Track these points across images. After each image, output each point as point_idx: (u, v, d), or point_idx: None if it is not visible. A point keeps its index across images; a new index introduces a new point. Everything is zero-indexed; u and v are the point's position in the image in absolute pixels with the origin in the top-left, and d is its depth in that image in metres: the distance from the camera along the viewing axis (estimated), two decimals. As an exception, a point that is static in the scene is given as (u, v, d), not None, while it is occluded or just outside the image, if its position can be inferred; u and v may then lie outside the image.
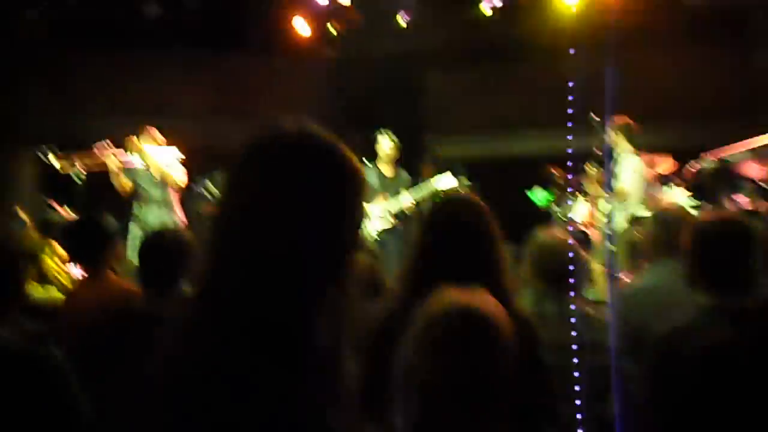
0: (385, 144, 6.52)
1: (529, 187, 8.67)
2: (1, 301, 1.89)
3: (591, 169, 6.03)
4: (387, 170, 6.59)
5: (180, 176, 6.29)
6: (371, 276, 2.77)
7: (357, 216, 1.07)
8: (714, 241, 2.06)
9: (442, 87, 9.31)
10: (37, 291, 3.08)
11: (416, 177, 6.95)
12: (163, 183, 6.20)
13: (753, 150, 4.89)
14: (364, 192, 1.07)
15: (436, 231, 2.03)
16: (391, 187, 6.51)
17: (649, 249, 2.96)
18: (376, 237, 6.40)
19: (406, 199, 6.41)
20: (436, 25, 8.42)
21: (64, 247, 3.67)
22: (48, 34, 7.98)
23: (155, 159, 6.16)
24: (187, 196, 6.90)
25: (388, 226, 6.43)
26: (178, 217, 6.29)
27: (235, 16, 8.27)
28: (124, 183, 6.22)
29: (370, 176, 6.39)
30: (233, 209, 1.02)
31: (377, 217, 6.41)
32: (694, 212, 5.53)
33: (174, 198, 6.32)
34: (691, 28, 8.47)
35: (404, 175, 6.66)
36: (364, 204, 1.09)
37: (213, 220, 1.04)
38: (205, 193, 6.73)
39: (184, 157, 6.40)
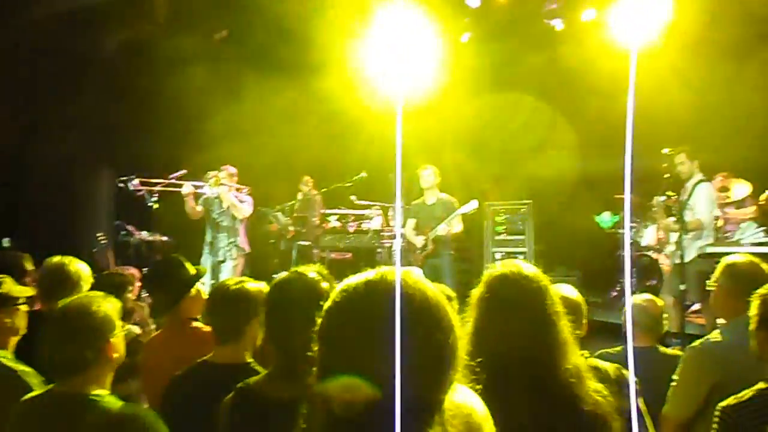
0: (425, 176, 6.80)
1: (597, 209, 8.54)
2: (95, 361, 2.02)
3: (658, 200, 5.90)
4: (430, 199, 6.87)
5: (247, 209, 6.77)
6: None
7: None
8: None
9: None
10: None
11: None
12: (232, 212, 6.67)
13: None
14: None
15: (489, 314, 1.92)
16: (435, 216, 6.75)
17: (719, 303, 2.89)
18: (423, 264, 6.63)
19: (443, 227, 6.62)
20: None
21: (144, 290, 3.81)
22: (132, 59, 8.34)
23: (228, 194, 6.61)
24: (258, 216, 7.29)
25: (429, 251, 6.69)
26: (244, 243, 6.79)
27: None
28: (195, 208, 6.63)
29: (417, 209, 6.91)
30: None
31: (423, 247, 6.69)
32: (766, 249, 5.36)
33: (241, 227, 6.79)
34: (761, 39, 8.14)
35: (446, 201, 6.80)
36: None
37: None
38: (273, 220, 7.08)
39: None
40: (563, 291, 2.56)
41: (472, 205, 6.84)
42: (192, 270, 3.06)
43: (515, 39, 8.31)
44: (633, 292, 6.94)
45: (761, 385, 2.08)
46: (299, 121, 8.64)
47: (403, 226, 7.62)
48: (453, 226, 6.62)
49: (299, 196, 7.88)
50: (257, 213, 7.58)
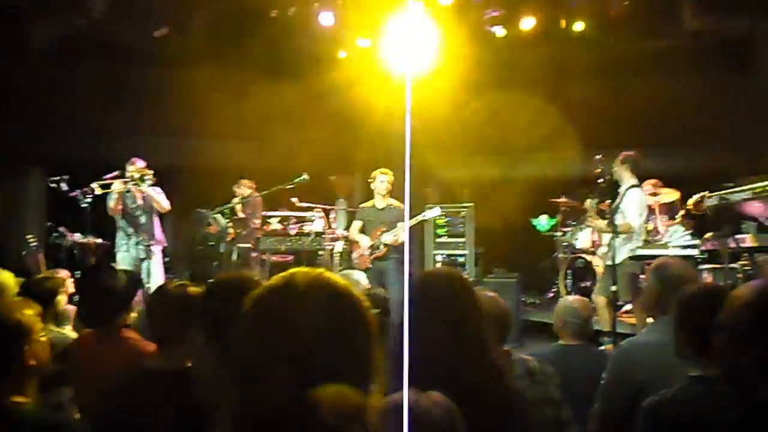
0: (378, 182, 6.80)
1: (534, 213, 8.76)
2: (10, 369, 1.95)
3: (592, 203, 6.11)
4: (381, 204, 6.88)
5: (167, 202, 6.82)
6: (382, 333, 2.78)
7: None
8: (698, 313, 2.10)
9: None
10: (52, 332, 3.09)
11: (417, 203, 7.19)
12: (150, 208, 6.72)
13: (755, 190, 4.94)
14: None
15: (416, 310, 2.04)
16: (386, 220, 6.78)
17: (649, 303, 3.01)
18: (369, 265, 6.67)
19: (397, 230, 6.67)
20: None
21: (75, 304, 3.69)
22: (57, 56, 8.08)
23: (152, 189, 6.67)
24: (196, 218, 7.22)
25: (380, 254, 6.71)
26: (161, 237, 6.89)
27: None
28: (118, 206, 6.64)
29: (367, 212, 6.89)
30: None
31: (372, 248, 6.72)
32: (694, 252, 5.61)
33: (157, 221, 6.87)
34: (694, 54, 8.56)
35: (396, 207, 6.85)
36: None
37: None
38: (212, 221, 7.01)
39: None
40: (491, 295, 2.75)
41: (435, 212, 6.93)
42: (123, 278, 2.97)
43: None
44: (568, 293, 7.19)
45: (683, 382, 2.17)
46: (239, 121, 8.55)
47: (346, 228, 7.64)
48: (401, 234, 6.68)
49: (235, 198, 7.79)
50: (196, 215, 7.48)
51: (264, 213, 8.05)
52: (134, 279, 3.04)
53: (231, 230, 7.64)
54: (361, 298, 1.16)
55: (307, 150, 8.68)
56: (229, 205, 7.59)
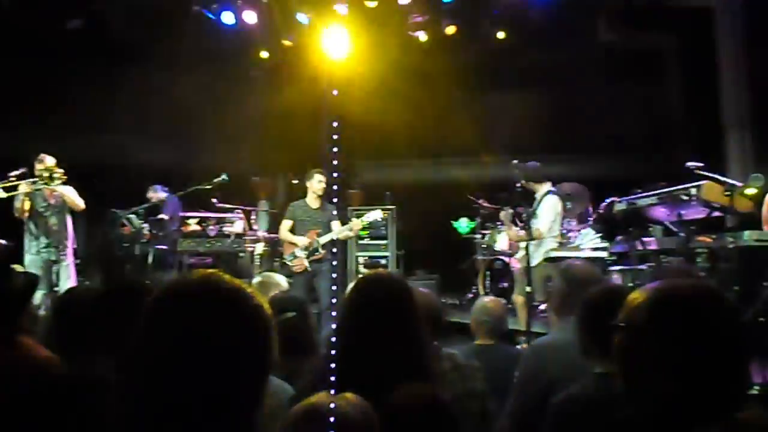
0: (316, 182, 6.71)
1: (455, 215, 8.91)
2: None
3: (506, 215, 6.30)
4: (315, 204, 6.79)
5: (80, 202, 6.53)
6: (299, 335, 2.76)
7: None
8: (601, 313, 2.19)
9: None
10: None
11: (343, 205, 7.17)
12: (61, 208, 6.46)
13: (660, 196, 5.20)
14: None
15: (357, 313, 2.07)
16: (320, 220, 6.72)
17: (557, 303, 3.11)
18: (308, 267, 6.57)
19: (336, 233, 6.61)
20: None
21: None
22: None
23: (66, 188, 6.36)
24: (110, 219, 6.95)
25: (319, 256, 6.62)
26: (72, 239, 6.60)
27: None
28: (25, 206, 6.32)
29: (300, 212, 6.74)
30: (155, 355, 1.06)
31: (309, 249, 6.62)
32: (604, 254, 5.86)
33: (69, 222, 6.57)
34: (607, 65, 8.97)
35: (331, 207, 6.82)
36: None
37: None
38: (127, 222, 6.76)
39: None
40: (425, 291, 2.86)
41: (377, 215, 6.91)
42: (19, 280, 2.82)
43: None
44: (487, 294, 7.36)
45: (587, 380, 2.26)
46: (157, 119, 8.31)
47: (268, 230, 7.53)
48: (346, 233, 6.65)
49: (151, 198, 7.57)
50: (110, 215, 7.19)
51: (182, 214, 7.84)
52: (31, 281, 2.88)
53: (146, 231, 7.39)
54: (254, 298, 1.15)
55: (227, 150, 8.52)
56: (145, 206, 7.35)
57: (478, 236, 8.41)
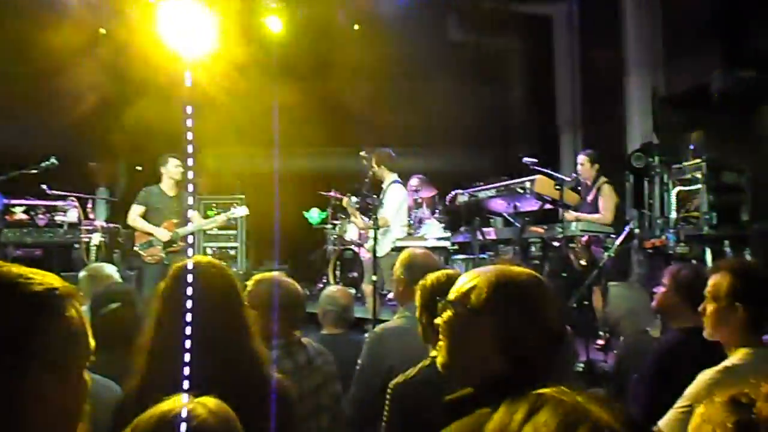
0: (173, 167, 6.34)
1: (306, 206, 8.88)
2: None
3: (349, 202, 6.39)
4: (171, 191, 6.41)
5: None
6: (124, 328, 2.57)
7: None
8: (437, 299, 2.25)
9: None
10: None
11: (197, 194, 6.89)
12: None
13: (499, 189, 5.50)
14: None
15: (174, 302, 1.92)
16: (176, 209, 6.38)
17: (398, 291, 3.18)
18: (164, 259, 6.21)
19: (197, 225, 6.30)
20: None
21: None
22: None
23: None
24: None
25: (176, 248, 6.27)
26: None
27: None
28: None
29: (156, 198, 6.33)
30: None
31: (168, 241, 6.26)
32: (447, 243, 6.11)
33: None
34: (456, 63, 9.34)
35: (187, 196, 6.48)
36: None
37: None
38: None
39: None
40: (287, 280, 2.78)
41: (243, 211, 6.62)
42: None
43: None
44: (337, 283, 7.40)
45: (424, 362, 2.31)
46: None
47: (107, 219, 7.05)
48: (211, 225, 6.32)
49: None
50: None
51: (6, 201, 7.12)
52: None
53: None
54: (51, 287, 1.05)
55: (60, 132, 7.86)
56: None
57: (329, 226, 8.44)
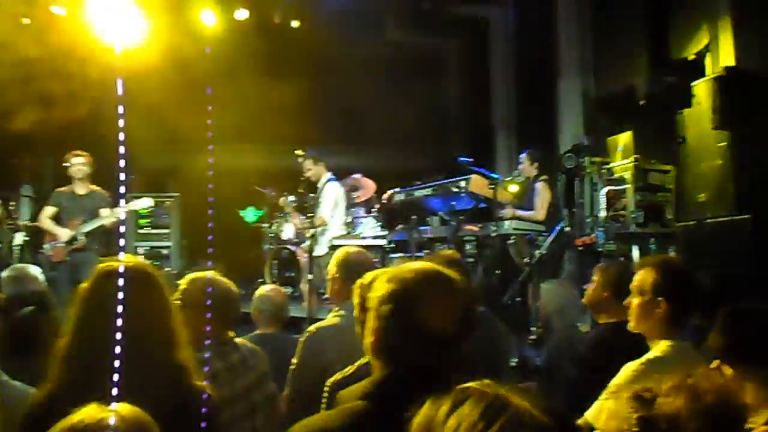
0: (76, 166, 6.17)
1: (242, 204, 8.74)
2: None
3: (286, 201, 6.35)
4: (81, 190, 6.23)
5: None
6: (38, 332, 2.45)
7: None
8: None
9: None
10: None
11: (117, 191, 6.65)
12: None
13: (434, 188, 5.56)
14: None
15: (94, 305, 1.82)
16: (88, 208, 6.19)
17: (334, 289, 3.16)
18: (66, 257, 6.00)
19: (104, 219, 6.10)
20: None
21: None
22: None
23: None
24: None
25: (78, 245, 6.07)
26: None
27: None
28: None
29: (65, 198, 6.16)
30: None
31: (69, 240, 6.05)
32: (384, 242, 6.12)
33: None
34: (395, 62, 9.39)
35: (100, 194, 6.28)
36: None
37: None
38: None
39: None
40: (220, 280, 2.80)
41: (147, 203, 6.43)
42: None
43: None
44: (274, 283, 7.30)
45: (362, 360, 2.31)
46: None
47: (32, 218, 6.77)
48: (112, 220, 6.11)
49: None
50: None
51: None
52: None
53: None
54: None
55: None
56: None
57: (266, 225, 8.33)
